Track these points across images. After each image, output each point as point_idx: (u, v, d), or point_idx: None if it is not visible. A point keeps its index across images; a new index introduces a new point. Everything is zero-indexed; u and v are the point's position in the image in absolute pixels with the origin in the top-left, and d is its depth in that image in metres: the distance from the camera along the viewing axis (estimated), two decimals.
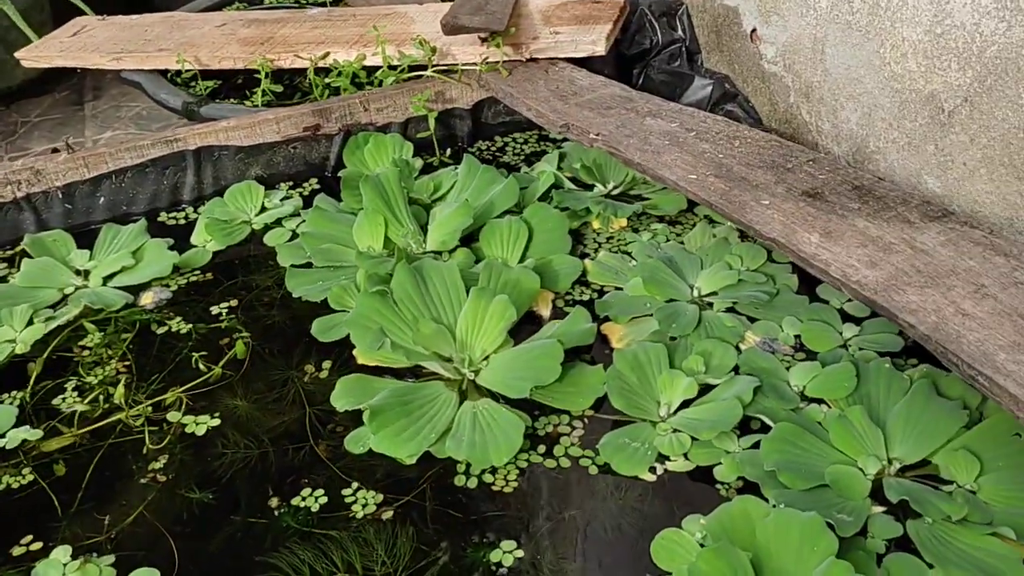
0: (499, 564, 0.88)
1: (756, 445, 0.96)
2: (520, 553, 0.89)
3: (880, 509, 0.90)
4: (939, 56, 1.09)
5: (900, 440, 0.96)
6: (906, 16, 1.13)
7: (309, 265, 1.28)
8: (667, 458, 0.98)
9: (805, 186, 1.11)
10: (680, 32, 1.67)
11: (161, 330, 1.20)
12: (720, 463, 0.96)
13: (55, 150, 1.53)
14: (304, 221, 1.38)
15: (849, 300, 1.15)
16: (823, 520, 0.83)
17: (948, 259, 0.92)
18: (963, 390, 0.99)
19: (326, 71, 1.63)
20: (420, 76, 1.57)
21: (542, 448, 1.01)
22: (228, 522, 0.94)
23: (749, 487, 0.93)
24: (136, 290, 1.27)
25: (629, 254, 1.30)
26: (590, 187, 1.44)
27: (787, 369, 1.06)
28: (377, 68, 1.60)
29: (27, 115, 1.88)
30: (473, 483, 0.97)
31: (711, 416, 0.99)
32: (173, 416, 1.06)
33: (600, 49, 1.54)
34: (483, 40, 1.57)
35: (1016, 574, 0.81)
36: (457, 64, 1.58)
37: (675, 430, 1.00)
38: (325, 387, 1.09)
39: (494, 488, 0.96)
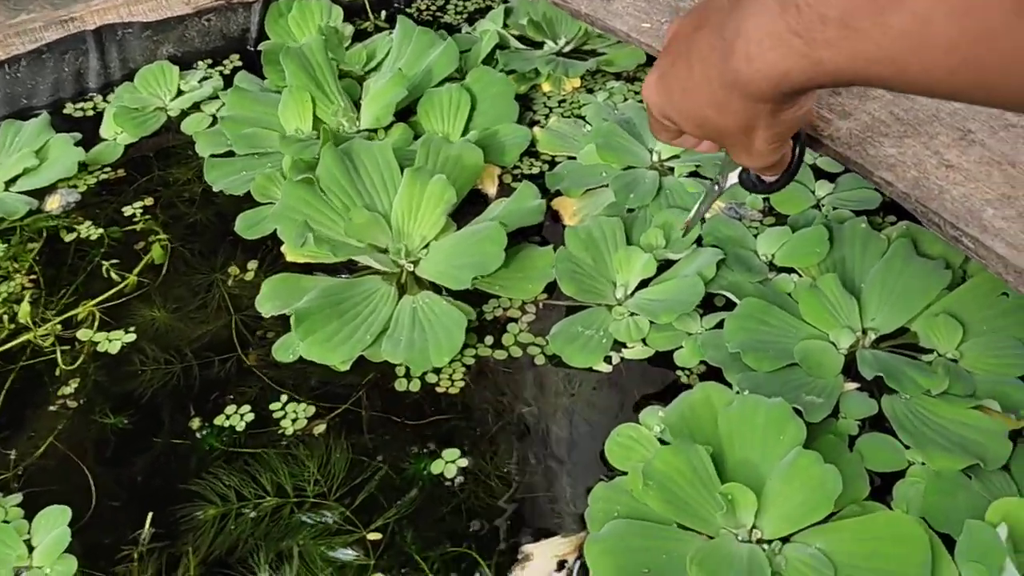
0: (441, 475, 0.81)
1: (721, 325, 0.87)
2: (464, 462, 0.81)
3: (853, 386, 0.83)
4: None
5: (876, 307, 0.87)
6: None
7: (232, 154, 1.16)
8: (624, 345, 0.89)
9: None
10: None
11: (70, 237, 1.09)
12: (681, 347, 0.88)
13: None
14: (224, 104, 1.24)
15: (822, 155, 1.03)
16: (789, 406, 0.75)
17: (931, 102, 0.80)
18: (945, 247, 0.89)
19: None
20: None
21: (490, 339, 0.92)
22: (148, 448, 0.86)
23: (712, 372, 0.85)
24: (41, 194, 1.15)
25: (583, 118, 1.17)
26: (540, 45, 1.29)
27: (755, 237, 0.97)
28: None
29: None
30: (415, 386, 0.88)
31: (670, 296, 0.90)
32: (84, 333, 0.97)
33: None
34: None
35: (1000, 449, 0.74)
36: None
37: (632, 313, 0.91)
38: (252, 290, 0.99)
39: (438, 390, 0.88)
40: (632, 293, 0.93)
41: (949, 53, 0.41)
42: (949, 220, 0.70)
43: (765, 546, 0.71)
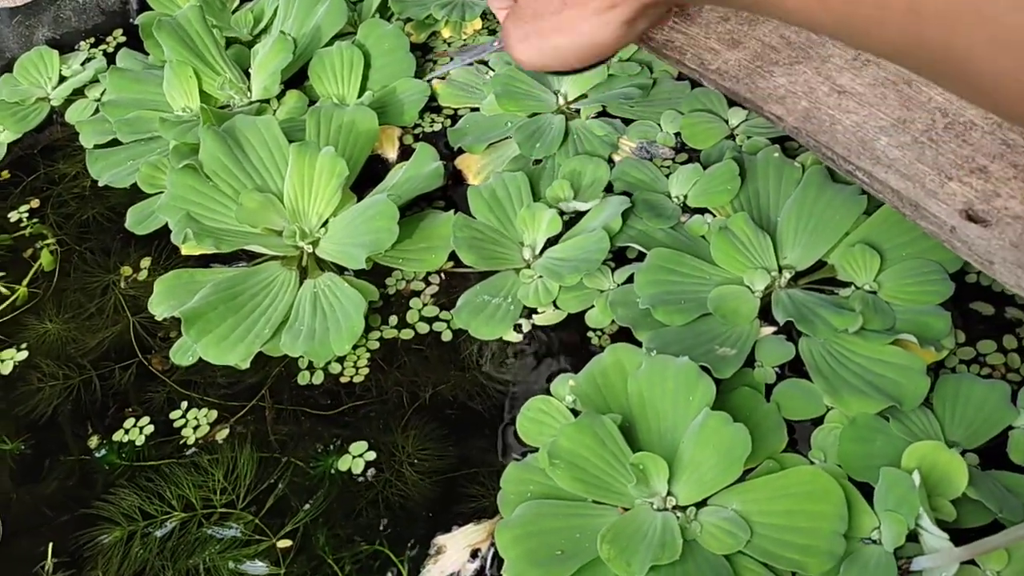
0: (348, 471, 0.77)
1: (632, 279, 0.83)
2: (372, 455, 0.78)
3: (770, 330, 0.79)
4: None
5: (792, 244, 0.83)
6: None
7: (117, 143, 1.09)
8: (534, 311, 0.85)
9: None
10: None
11: None
12: (592, 307, 0.84)
13: None
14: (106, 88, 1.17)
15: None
16: (696, 365, 0.71)
17: None
18: None
19: None
20: None
21: (394, 319, 0.88)
22: (48, 473, 0.82)
23: (626, 332, 0.81)
24: None
25: (487, 63, 1.10)
26: None
27: (667, 177, 0.91)
28: None
29: None
30: (319, 377, 0.84)
31: (576, 254, 0.85)
32: None
33: None
34: None
35: (918, 387, 0.70)
36: None
37: (540, 276, 0.86)
38: (148, 290, 0.94)
39: (343, 379, 0.84)
40: (540, 253, 0.88)
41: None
42: (841, 154, 0.65)
43: (679, 513, 0.68)
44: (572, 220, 0.90)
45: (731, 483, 0.67)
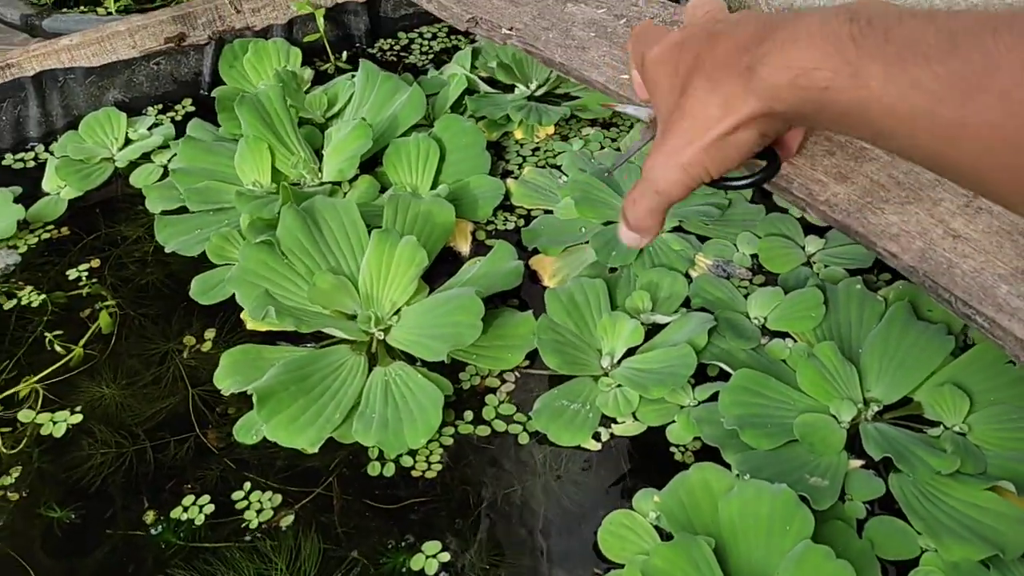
0: (421, 572, 0.74)
1: (714, 397, 0.82)
2: (445, 556, 0.75)
3: (858, 463, 0.78)
4: None
5: (877, 377, 0.83)
6: None
7: (185, 210, 1.09)
8: (613, 420, 0.84)
9: None
10: None
11: (9, 304, 1.01)
12: (674, 421, 0.83)
13: None
14: (176, 155, 1.17)
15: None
16: (794, 494, 0.70)
17: None
18: (945, 311, 0.85)
19: None
20: None
21: (469, 415, 0.86)
22: (98, 545, 0.78)
23: (708, 448, 0.80)
24: None
25: (559, 168, 1.12)
26: (511, 88, 1.24)
27: (745, 297, 0.92)
28: None
29: None
30: (389, 470, 0.82)
31: (661, 367, 0.85)
32: (26, 415, 0.89)
33: None
34: None
35: (1020, 537, 0.69)
36: None
37: (620, 385, 0.85)
38: (210, 362, 0.92)
39: (414, 474, 0.82)
40: (619, 362, 0.87)
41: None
42: (961, 297, 0.66)
43: None
44: (650, 331, 0.90)
45: None
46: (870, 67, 0.45)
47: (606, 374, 0.87)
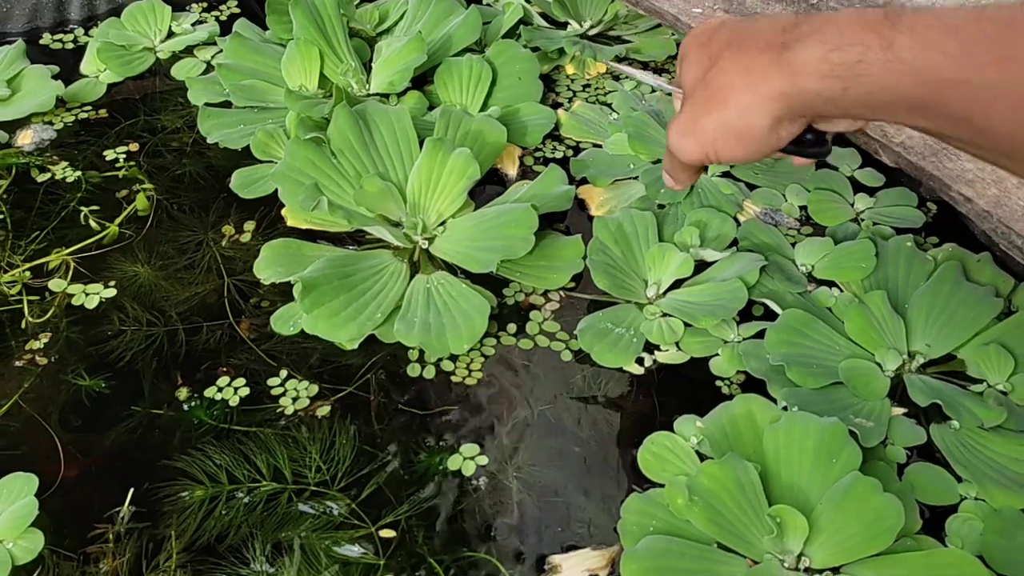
0: (458, 472, 0.73)
1: (759, 335, 0.82)
2: (484, 460, 0.74)
3: (900, 411, 0.78)
4: None
5: (923, 331, 0.83)
6: None
7: (227, 104, 1.07)
8: (657, 347, 0.83)
9: None
10: None
11: (43, 177, 0.98)
12: (717, 354, 0.82)
13: None
14: (221, 51, 1.15)
15: (861, 167, 0.99)
16: (845, 428, 0.70)
17: None
18: (994, 275, 0.86)
19: None
20: None
21: (512, 328, 0.85)
22: (126, 416, 0.77)
23: (751, 383, 0.80)
24: (12, 127, 1.04)
25: (609, 106, 1.11)
26: (563, 25, 1.23)
27: (793, 245, 0.92)
28: None
29: None
30: (429, 372, 0.81)
31: (711, 299, 0.84)
32: (57, 284, 0.87)
33: None
34: None
35: None
36: None
37: (665, 314, 0.85)
38: (247, 253, 0.91)
39: (454, 379, 0.81)
40: (664, 292, 0.87)
41: None
42: None
43: None
44: (697, 267, 0.89)
45: (872, 554, 0.65)
46: (901, 39, 0.46)
47: (650, 303, 0.86)
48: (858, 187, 0.99)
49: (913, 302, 0.85)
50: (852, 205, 0.97)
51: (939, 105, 0.46)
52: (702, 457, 0.74)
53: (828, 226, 0.94)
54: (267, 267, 0.87)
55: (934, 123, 0.48)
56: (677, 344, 0.83)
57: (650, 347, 0.83)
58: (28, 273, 0.88)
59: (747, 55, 0.54)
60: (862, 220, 0.95)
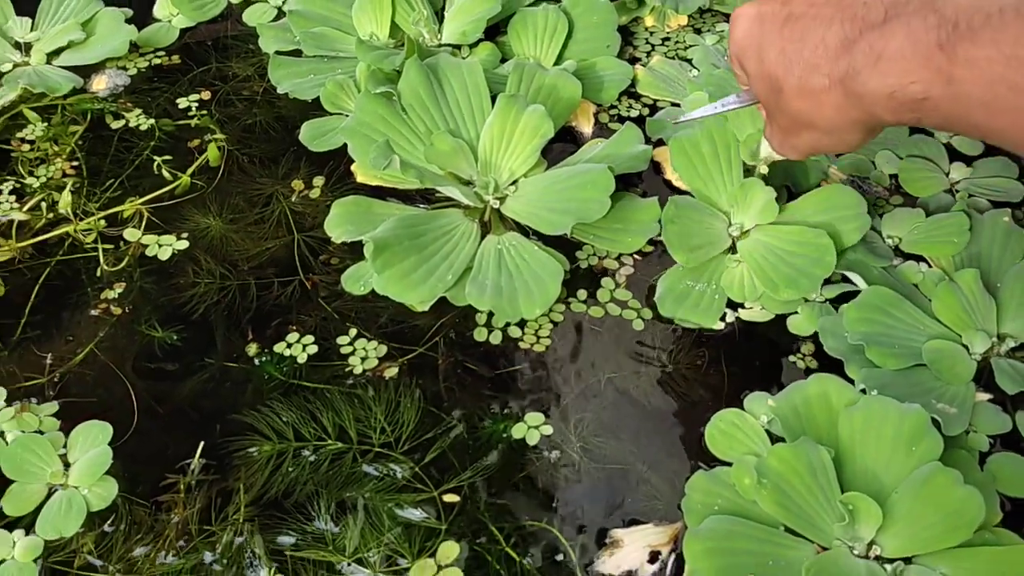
0: (522, 441, 0.73)
1: (841, 298, 0.79)
2: (548, 429, 0.74)
3: (985, 397, 0.75)
4: None
5: (1015, 313, 0.78)
6: None
7: (298, 53, 1.05)
8: (740, 305, 0.81)
9: None
10: None
11: (117, 124, 0.99)
12: (796, 312, 0.80)
13: None
14: None
15: (958, 134, 0.94)
16: (927, 415, 0.67)
17: None
18: None
19: None
20: None
21: (582, 294, 0.83)
22: (197, 369, 0.78)
23: (826, 357, 0.77)
24: (86, 72, 1.04)
25: (689, 61, 1.06)
26: None
27: (880, 216, 0.87)
28: None
29: None
30: (496, 337, 0.80)
31: (797, 250, 0.80)
32: (131, 233, 0.88)
33: None
34: None
35: None
36: None
37: (748, 268, 0.82)
38: (316, 209, 0.90)
39: (522, 345, 0.80)
40: (747, 232, 0.83)
41: None
42: None
43: (887, 565, 0.64)
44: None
45: (949, 547, 0.63)
46: (961, 73, 0.47)
47: (733, 248, 0.83)
48: (954, 155, 0.93)
49: (1006, 281, 0.80)
50: (947, 175, 0.92)
51: (1018, 129, 0.47)
52: (772, 437, 0.72)
53: (919, 196, 0.90)
54: (338, 225, 0.87)
55: (1007, 140, 0.50)
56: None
57: (732, 304, 0.81)
58: (103, 222, 0.89)
59: (810, 96, 0.58)
60: (957, 191, 0.90)
